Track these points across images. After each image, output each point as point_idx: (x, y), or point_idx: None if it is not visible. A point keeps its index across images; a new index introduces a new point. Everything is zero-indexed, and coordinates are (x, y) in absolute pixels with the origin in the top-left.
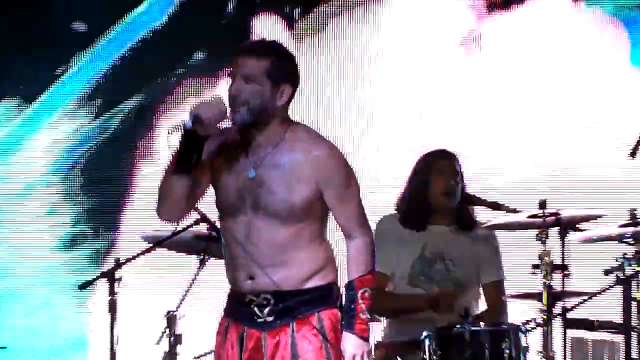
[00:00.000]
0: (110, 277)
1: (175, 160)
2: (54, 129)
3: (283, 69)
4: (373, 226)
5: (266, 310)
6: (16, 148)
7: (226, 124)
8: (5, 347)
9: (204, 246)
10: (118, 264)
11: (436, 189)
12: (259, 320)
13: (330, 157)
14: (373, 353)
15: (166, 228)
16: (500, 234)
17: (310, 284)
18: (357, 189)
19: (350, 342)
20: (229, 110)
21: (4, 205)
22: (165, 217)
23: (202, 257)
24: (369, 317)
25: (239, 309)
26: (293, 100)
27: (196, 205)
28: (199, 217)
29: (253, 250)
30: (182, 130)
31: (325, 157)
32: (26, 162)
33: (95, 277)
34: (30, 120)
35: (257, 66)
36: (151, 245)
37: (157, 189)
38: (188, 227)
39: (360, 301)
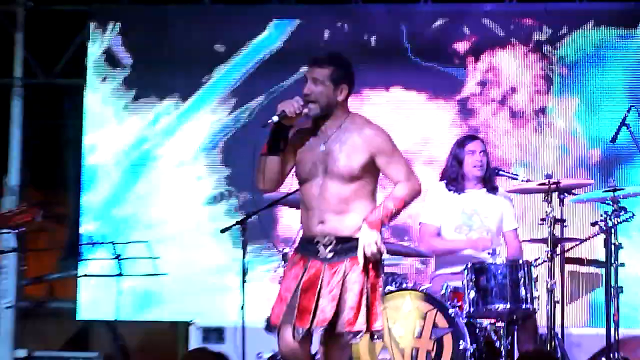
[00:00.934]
0: (243, 224)
1: (268, 145)
2: (201, 119)
3: (341, 74)
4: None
5: (328, 248)
6: (175, 132)
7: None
8: (167, 274)
9: None
10: (247, 215)
11: (469, 164)
12: (321, 255)
13: (377, 134)
14: (430, 282)
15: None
16: (518, 197)
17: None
18: (400, 154)
19: (363, 231)
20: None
21: (165, 175)
22: (262, 188)
23: None
24: (385, 220)
25: (307, 247)
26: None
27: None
28: None
29: (324, 202)
30: (273, 123)
31: (374, 134)
32: (182, 143)
33: (231, 225)
34: (185, 113)
35: (322, 72)
36: (269, 203)
37: (257, 170)
38: (294, 191)
39: (382, 206)
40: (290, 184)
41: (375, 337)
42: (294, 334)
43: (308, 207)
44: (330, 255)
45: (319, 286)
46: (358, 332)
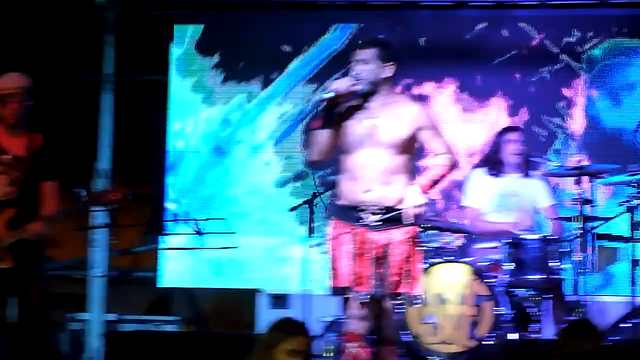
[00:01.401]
0: (310, 203)
1: (322, 120)
2: (277, 108)
3: (386, 52)
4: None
5: (373, 216)
6: (248, 122)
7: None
8: (240, 247)
9: None
10: (314, 195)
11: (508, 151)
12: (366, 222)
13: (423, 110)
14: (472, 255)
15: None
16: (552, 180)
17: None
18: (440, 130)
19: (413, 192)
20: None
21: (240, 159)
22: (314, 160)
23: None
24: (431, 185)
25: (352, 215)
26: None
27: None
28: None
29: (371, 172)
30: (327, 100)
31: (419, 110)
32: (255, 131)
33: (299, 204)
34: (263, 102)
35: (369, 52)
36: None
37: (308, 144)
38: None
39: (428, 173)
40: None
41: (414, 301)
42: (358, 298)
43: (353, 177)
44: (375, 223)
45: (369, 252)
46: (402, 295)
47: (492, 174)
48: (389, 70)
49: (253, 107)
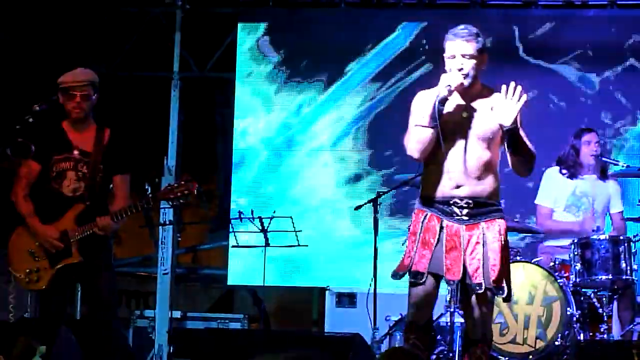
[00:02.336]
0: (375, 202)
1: (432, 118)
2: (339, 109)
3: (482, 45)
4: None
5: (465, 211)
6: (315, 120)
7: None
8: (307, 245)
9: None
10: (379, 195)
11: (585, 153)
12: (457, 217)
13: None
14: (540, 255)
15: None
16: (620, 180)
17: (493, 200)
18: (522, 127)
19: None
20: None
21: (306, 157)
22: (419, 157)
23: None
24: (521, 133)
25: (440, 208)
26: None
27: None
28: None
29: (463, 167)
30: (439, 97)
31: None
32: (321, 129)
33: (364, 202)
34: (324, 103)
35: (471, 47)
36: (398, 184)
37: (412, 141)
38: (418, 175)
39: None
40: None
41: (510, 299)
42: (437, 283)
43: (443, 171)
44: (466, 218)
45: (461, 246)
46: (501, 288)
47: (565, 174)
48: (484, 62)
49: (321, 104)
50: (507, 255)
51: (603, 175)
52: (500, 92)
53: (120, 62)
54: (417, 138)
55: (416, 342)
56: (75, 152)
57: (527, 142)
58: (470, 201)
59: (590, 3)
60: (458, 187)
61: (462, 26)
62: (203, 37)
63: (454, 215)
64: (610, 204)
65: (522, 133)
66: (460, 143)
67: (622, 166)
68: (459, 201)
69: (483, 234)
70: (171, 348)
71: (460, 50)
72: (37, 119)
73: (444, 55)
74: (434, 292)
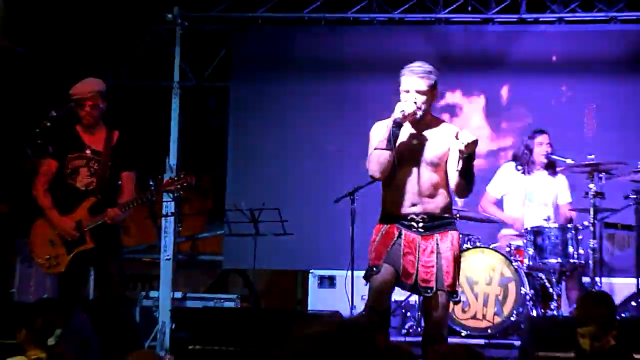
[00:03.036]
0: (352, 196)
1: (388, 141)
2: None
3: (435, 82)
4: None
5: (420, 224)
6: (311, 124)
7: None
8: (292, 233)
9: None
10: (356, 188)
11: (537, 152)
12: (414, 229)
13: (454, 130)
14: (497, 242)
15: None
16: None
17: (446, 214)
18: None
19: (465, 134)
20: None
21: (292, 160)
22: (379, 177)
23: None
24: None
25: (400, 222)
26: None
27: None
28: None
29: (417, 187)
30: (394, 122)
31: (453, 129)
32: (308, 136)
33: (342, 196)
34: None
35: (424, 84)
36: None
37: (373, 163)
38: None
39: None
40: None
41: (454, 298)
42: (398, 282)
43: (401, 191)
44: (422, 229)
45: (417, 254)
46: (455, 292)
47: (519, 170)
48: (436, 98)
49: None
50: (459, 263)
51: (552, 171)
52: (448, 126)
53: (127, 73)
54: (376, 160)
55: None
56: (88, 151)
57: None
58: (425, 216)
59: (540, 19)
60: (413, 205)
61: (417, 63)
62: (200, 51)
63: (412, 227)
64: (558, 196)
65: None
66: (413, 168)
67: (570, 162)
68: (415, 217)
69: (437, 244)
70: (173, 324)
71: (414, 86)
72: (54, 124)
73: (400, 88)
74: (391, 280)
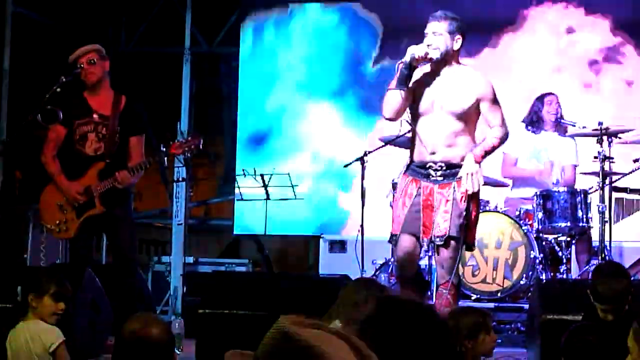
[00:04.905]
0: (362, 160)
1: (398, 81)
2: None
3: (455, 26)
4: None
5: (439, 172)
6: (316, 93)
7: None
8: (303, 198)
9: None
10: (365, 154)
11: (546, 111)
12: (433, 178)
13: (485, 83)
14: (506, 205)
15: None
16: (579, 139)
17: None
18: (499, 103)
19: (468, 162)
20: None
21: (301, 124)
22: (388, 117)
23: None
24: (484, 155)
25: (418, 171)
26: None
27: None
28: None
29: (437, 135)
30: (403, 62)
31: (481, 82)
32: (316, 103)
33: (352, 160)
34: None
35: (440, 26)
36: (383, 144)
37: (384, 103)
38: (403, 134)
39: (483, 142)
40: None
41: (472, 249)
42: (419, 244)
43: (421, 139)
44: (440, 178)
45: (434, 205)
46: (466, 242)
47: (529, 130)
48: (457, 43)
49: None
50: (476, 209)
51: (563, 131)
52: (474, 70)
53: (138, 40)
54: (387, 100)
55: (408, 292)
56: (95, 115)
57: (489, 146)
58: (443, 164)
59: None
60: (433, 153)
61: (440, 11)
62: (210, 17)
63: (430, 176)
64: (566, 157)
65: (482, 148)
66: (432, 115)
67: (580, 127)
68: (433, 165)
69: (453, 192)
70: (185, 289)
71: (432, 28)
72: (63, 90)
73: None
74: (413, 249)
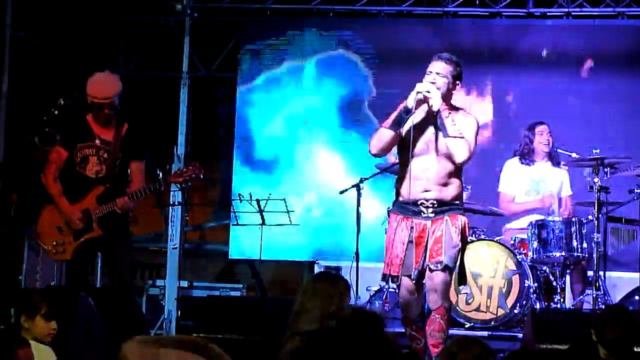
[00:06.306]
0: (357, 187)
1: (394, 122)
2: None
3: (458, 72)
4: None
5: (430, 209)
6: (303, 119)
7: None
8: (298, 224)
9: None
10: (361, 180)
11: (538, 142)
12: (424, 215)
13: (475, 125)
14: (502, 235)
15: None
16: (572, 168)
17: (456, 201)
18: (475, 139)
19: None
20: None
21: (300, 147)
22: (375, 154)
23: None
24: (446, 113)
25: (411, 210)
26: None
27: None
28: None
29: (431, 175)
30: (405, 106)
31: (473, 124)
32: (310, 129)
33: (348, 187)
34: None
35: (447, 68)
36: (379, 171)
37: (373, 138)
38: (396, 164)
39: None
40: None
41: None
42: (411, 278)
43: (414, 177)
44: (432, 215)
45: (426, 240)
46: (450, 268)
47: (524, 163)
48: (455, 88)
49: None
50: (464, 245)
51: (556, 162)
52: (465, 111)
53: (137, 64)
54: (377, 136)
55: (412, 333)
56: (97, 141)
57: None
58: (435, 202)
59: (548, 14)
60: (426, 191)
61: (447, 53)
62: (209, 42)
63: (422, 214)
64: (561, 188)
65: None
66: (427, 157)
67: (575, 156)
68: (425, 202)
69: (446, 224)
70: (179, 313)
71: (437, 68)
72: (62, 112)
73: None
74: (416, 289)
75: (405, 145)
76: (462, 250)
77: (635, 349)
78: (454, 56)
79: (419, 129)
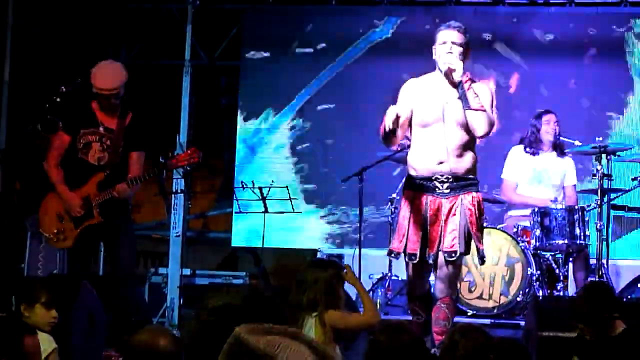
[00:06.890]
0: (360, 175)
1: (383, 129)
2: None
3: (468, 38)
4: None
5: (445, 185)
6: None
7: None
8: (301, 212)
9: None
10: (363, 168)
11: (544, 131)
12: (439, 191)
13: (489, 93)
14: (504, 222)
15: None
16: (575, 156)
17: (470, 175)
18: (493, 110)
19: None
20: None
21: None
22: (387, 146)
23: None
24: (470, 88)
25: (424, 185)
26: None
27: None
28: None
29: (445, 146)
30: (387, 127)
31: (487, 93)
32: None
33: (350, 175)
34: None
35: (460, 37)
36: (380, 159)
37: (382, 126)
38: (398, 151)
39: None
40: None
41: (483, 259)
42: (425, 259)
43: (428, 149)
44: (447, 191)
45: (442, 219)
46: (457, 252)
47: (528, 152)
48: (468, 56)
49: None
50: (481, 223)
51: (561, 152)
52: (480, 83)
53: (139, 52)
54: (382, 131)
55: (415, 307)
56: (101, 128)
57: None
58: (450, 176)
59: (551, 1)
60: (440, 162)
61: (454, 22)
62: (211, 30)
63: (436, 189)
64: (565, 177)
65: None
66: (441, 126)
67: (578, 144)
68: (440, 176)
69: (461, 206)
70: (181, 301)
71: (450, 38)
72: (64, 99)
73: (436, 43)
74: (427, 267)
75: (416, 118)
76: (481, 228)
77: None
78: (461, 23)
79: (430, 96)
